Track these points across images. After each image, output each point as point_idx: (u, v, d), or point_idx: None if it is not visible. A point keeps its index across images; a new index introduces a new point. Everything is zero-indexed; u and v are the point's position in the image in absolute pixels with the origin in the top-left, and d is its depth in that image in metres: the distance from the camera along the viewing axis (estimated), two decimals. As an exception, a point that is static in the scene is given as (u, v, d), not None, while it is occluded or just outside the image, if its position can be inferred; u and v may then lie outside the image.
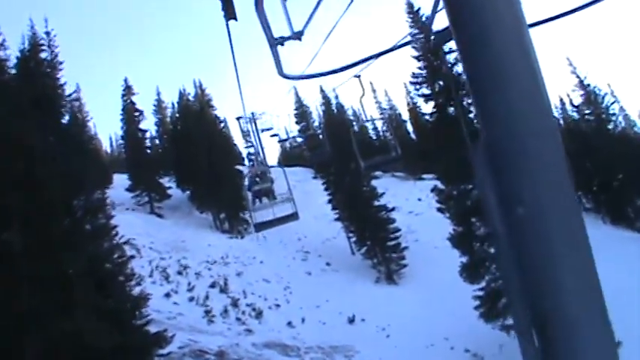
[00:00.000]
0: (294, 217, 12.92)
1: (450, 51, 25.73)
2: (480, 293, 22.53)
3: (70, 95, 17.94)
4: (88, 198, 16.03)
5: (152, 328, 17.21)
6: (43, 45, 17.75)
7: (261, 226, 13.50)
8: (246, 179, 15.29)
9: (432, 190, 26.06)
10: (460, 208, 23.59)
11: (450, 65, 25.74)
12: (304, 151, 74.70)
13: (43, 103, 15.08)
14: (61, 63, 18.80)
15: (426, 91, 25.90)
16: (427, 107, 26.85)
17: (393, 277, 35.19)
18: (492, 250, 22.99)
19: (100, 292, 13.54)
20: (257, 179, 13.84)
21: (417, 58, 26.32)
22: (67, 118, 17.31)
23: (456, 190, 24.01)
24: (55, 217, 10.77)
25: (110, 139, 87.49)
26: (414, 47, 26.42)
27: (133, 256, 19.95)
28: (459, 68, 25.60)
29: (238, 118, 16.11)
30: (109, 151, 75.70)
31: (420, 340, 24.30)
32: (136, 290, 17.29)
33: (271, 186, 13.71)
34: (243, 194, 16.99)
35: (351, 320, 26.99)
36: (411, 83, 26.76)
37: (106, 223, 16.78)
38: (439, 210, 25.12)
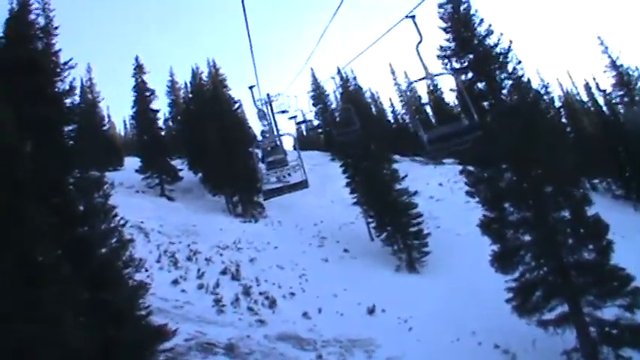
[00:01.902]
0: (303, 184, 12.25)
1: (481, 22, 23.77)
2: (512, 285, 20.67)
3: (66, 63, 16.20)
4: (83, 175, 14.43)
5: (157, 319, 15.83)
6: (34, 6, 16.12)
7: (269, 194, 13.24)
8: (259, 152, 14.46)
9: (461, 172, 23.99)
10: (492, 191, 21.69)
11: (481, 37, 23.70)
12: (320, 135, 73.04)
13: (31, 67, 13.48)
14: (56, 28, 17.14)
15: (455, 65, 23.72)
16: (454, 84, 24.71)
17: (415, 266, 33.41)
18: (527, 238, 21.17)
19: (91, 281, 11.97)
20: (269, 149, 12.96)
21: (445, 30, 24.17)
22: (61, 87, 15.60)
23: (487, 172, 22.08)
24: (26, 194, 9.14)
25: (124, 121, 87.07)
26: (441, 18, 24.45)
27: (132, 240, 18.36)
28: (490, 40, 23.65)
29: (251, 87, 14.39)
30: (122, 134, 75.10)
31: (444, 334, 22.65)
32: (137, 277, 15.77)
33: (285, 157, 13.09)
34: (255, 167, 16.47)
35: (371, 311, 25.30)
36: (439, 57, 24.49)
37: (104, 203, 15.19)
38: (468, 194, 23.12)
